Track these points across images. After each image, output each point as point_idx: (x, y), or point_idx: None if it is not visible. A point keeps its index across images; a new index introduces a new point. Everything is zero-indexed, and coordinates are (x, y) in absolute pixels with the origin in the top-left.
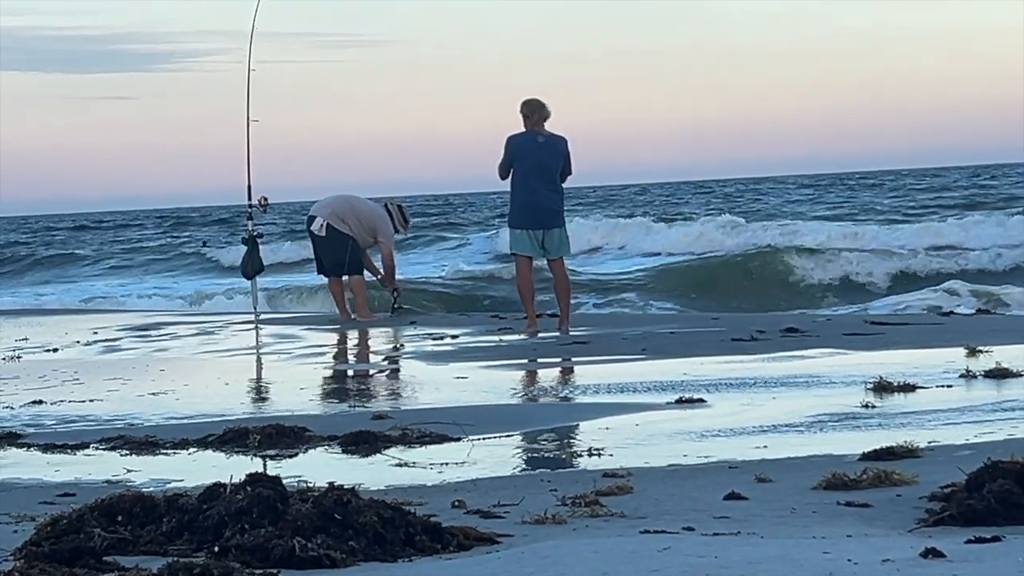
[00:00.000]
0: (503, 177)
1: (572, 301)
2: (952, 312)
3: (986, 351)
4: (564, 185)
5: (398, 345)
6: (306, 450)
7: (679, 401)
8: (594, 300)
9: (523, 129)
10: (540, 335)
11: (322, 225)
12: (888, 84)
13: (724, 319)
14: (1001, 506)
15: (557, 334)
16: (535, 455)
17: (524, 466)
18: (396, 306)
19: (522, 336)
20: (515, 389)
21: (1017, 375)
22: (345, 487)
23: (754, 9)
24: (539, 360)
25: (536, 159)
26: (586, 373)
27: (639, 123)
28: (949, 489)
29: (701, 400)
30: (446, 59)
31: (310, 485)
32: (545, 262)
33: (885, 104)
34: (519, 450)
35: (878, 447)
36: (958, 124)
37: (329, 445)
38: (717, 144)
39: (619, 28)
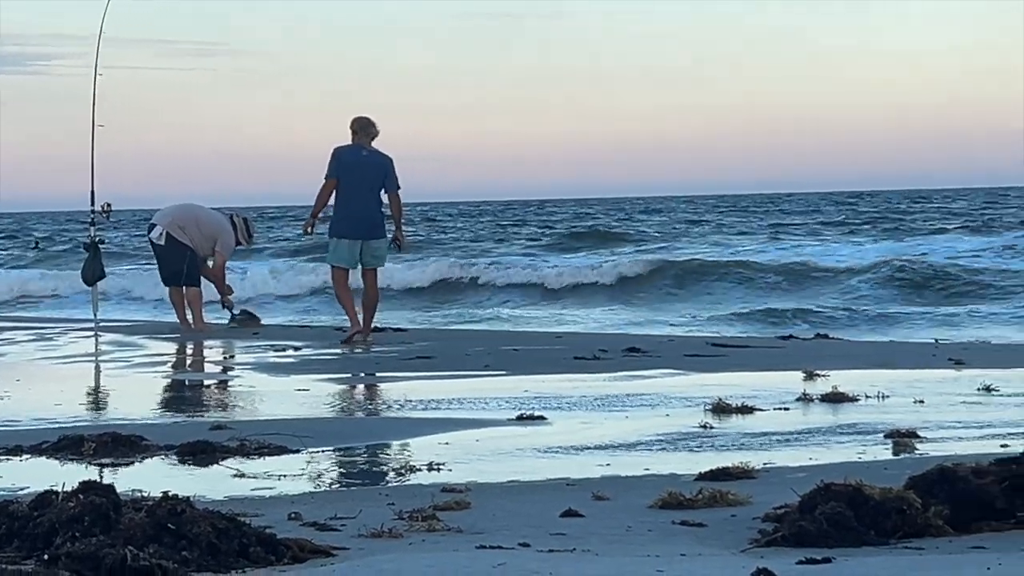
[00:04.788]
0: (327, 188)
1: None
2: (792, 336)
3: (823, 375)
4: (404, 200)
5: (238, 356)
6: (142, 459)
7: (520, 418)
8: None
9: (350, 142)
10: (380, 348)
11: (161, 234)
12: (753, 108)
13: (567, 337)
14: (832, 528)
15: (401, 347)
16: (374, 469)
17: (362, 480)
18: (234, 314)
19: (348, 342)
20: (356, 402)
21: (852, 399)
22: (180, 497)
23: (620, 31)
24: (381, 374)
25: (359, 172)
26: (428, 388)
27: (496, 141)
28: (782, 510)
29: (542, 417)
30: (301, 70)
31: (144, 494)
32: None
33: (752, 128)
34: (358, 463)
35: (714, 467)
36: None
37: (166, 455)
38: (579, 163)
39: (478, 45)
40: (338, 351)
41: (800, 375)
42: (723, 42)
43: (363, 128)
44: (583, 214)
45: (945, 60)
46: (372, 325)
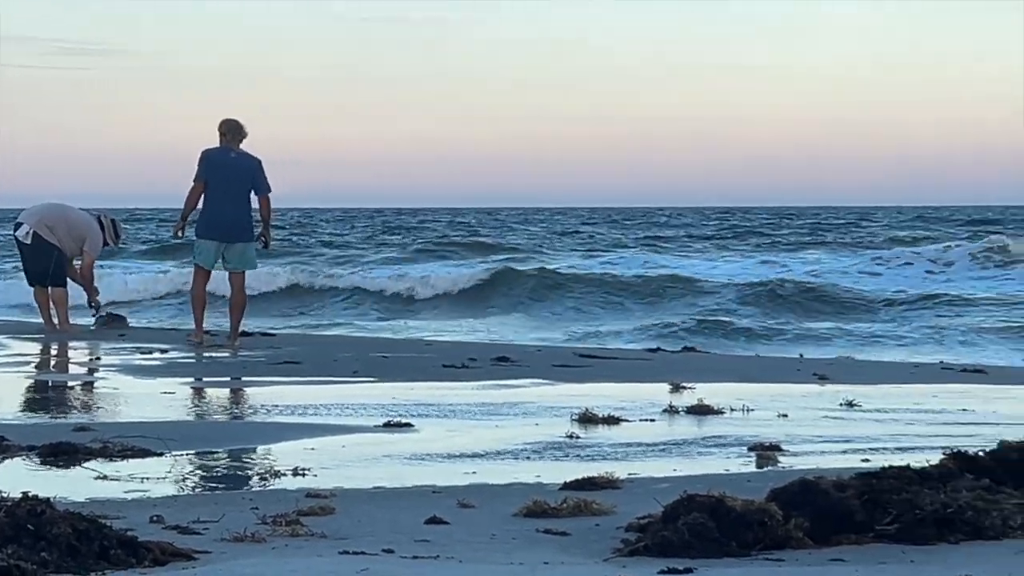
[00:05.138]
0: (196, 190)
1: None
2: (660, 348)
3: (690, 387)
4: (275, 204)
5: (103, 357)
6: (3, 459)
7: (387, 425)
8: None
9: (219, 145)
10: (247, 352)
11: (28, 232)
12: (629, 121)
13: (436, 345)
14: (695, 539)
15: (268, 352)
16: (238, 473)
17: (226, 484)
18: (98, 315)
19: (193, 343)
20: (222, 406)
21: (718, 412)
22: (40, 498)
23: (504, 38)
24: (248, 378)
25: (226, 174)
26: (295, 393)
27: (384, 146)
28: (646, 520)
29: (409, 424)
30: (176, 71)
31: (4, 495)
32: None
33: (624, 141)
34: (222, 467)
35: (580, 477)
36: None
37: (27, 455)
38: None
39: (368, 51)
40: (207, 355)
41: (667, 387)
42: (605, 55)
43: (231, 130)
44: (458, 223)
45: (816, 80)
46: (240, 329)
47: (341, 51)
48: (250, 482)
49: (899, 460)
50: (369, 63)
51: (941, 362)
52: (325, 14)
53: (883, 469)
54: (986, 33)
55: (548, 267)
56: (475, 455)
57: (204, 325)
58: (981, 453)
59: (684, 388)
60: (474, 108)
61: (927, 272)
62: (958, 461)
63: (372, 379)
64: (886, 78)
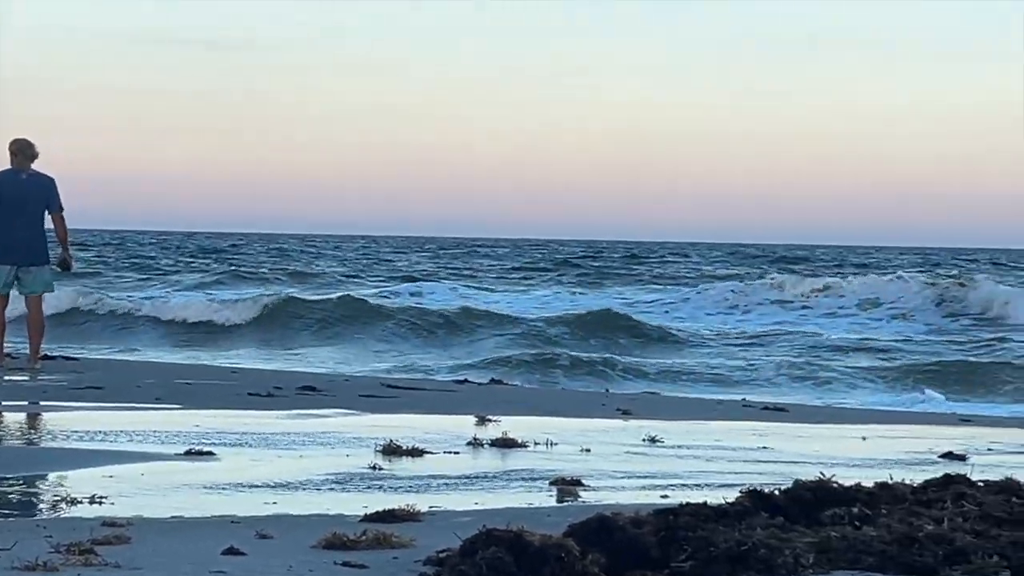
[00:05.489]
0: None
1: None
2: (467, 380)
3: (495, 420)
4: (69, 223)
5: None
6: None
7: (188, 453)
8: None
9: (10, 167)
10: (48, 376)
11: None
12: (448, 150)
13: (243, 373)
14: (492, 573)
15: (70, 376)
16: (33, 500)
17: (20, 510)
18: None
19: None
20: (19, 431)
21: (522, 445)
22: None
23: (330, 61)
24: (47, 403)
25: (17, 196)
26: (96, 419)
27: (193, 170)
28: (444, 554)
29: (211, 453)
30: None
31: None
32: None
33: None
34: (16, 494)
35: (381, 509)
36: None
37: None
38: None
39: (184, 71)
40: (6, 378)
41: (472, 419)
42: (427, 83)
43: (22, 150)
44: (272, 249)
45: (629, 113)
46: (41, 352)
47: (158, 70)
48: (45, 509)
49: (698, 497)
50: (186, 84)
51: (744, 399)
52: (136, 32)
53: (680, 506)
54: (800, 72)
55: (354, 295)
56: (277, 485)
57: (5, 348)
58: (776, 491)
59: (490, 421)
60: (293, 134)
61: (730, 307)
62: (754, 499)
63: (175, 406)
64: (695, 113)
